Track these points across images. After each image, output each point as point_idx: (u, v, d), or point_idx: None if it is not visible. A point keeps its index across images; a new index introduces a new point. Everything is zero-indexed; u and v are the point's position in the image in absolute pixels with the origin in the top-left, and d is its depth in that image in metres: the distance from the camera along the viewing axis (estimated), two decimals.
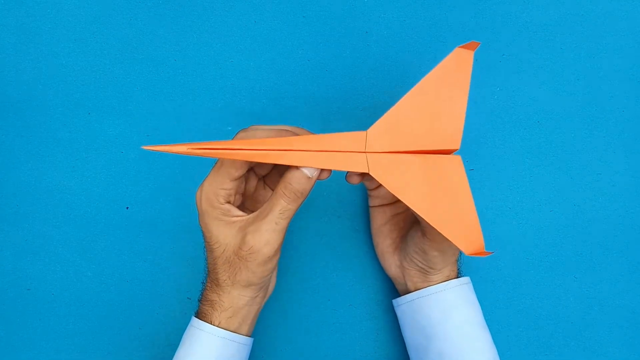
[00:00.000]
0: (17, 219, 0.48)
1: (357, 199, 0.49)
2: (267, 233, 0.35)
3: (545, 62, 0.50)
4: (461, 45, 0.36)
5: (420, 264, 0.41)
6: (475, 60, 0.50)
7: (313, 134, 0.36)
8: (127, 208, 0.49)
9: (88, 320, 0.48)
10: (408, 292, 0.43)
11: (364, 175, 0.39)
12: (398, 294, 0.45)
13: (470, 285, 0.43)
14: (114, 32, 0.50)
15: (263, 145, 0.34)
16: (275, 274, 0.42)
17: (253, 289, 0.38)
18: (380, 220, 0.45)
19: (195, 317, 0.39)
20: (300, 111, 0.50)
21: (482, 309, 0.48)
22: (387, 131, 0.35)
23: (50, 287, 0.48)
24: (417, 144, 0.36)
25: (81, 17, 0.50)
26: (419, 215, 0.37)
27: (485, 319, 0.49)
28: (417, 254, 0.41)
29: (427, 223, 0.38)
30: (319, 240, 0.49)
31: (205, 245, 0.38)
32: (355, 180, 0.38)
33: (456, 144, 0.36)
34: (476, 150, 0.50)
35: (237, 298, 0.37)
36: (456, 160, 0.37)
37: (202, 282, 0.40)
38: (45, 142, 0.49)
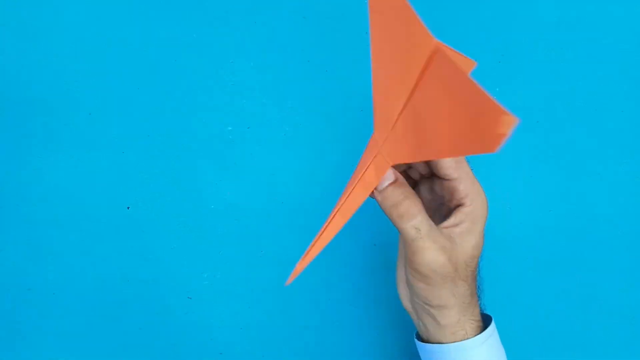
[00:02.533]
0: (18, 219, 0.49)
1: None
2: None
3: (545, 62, 0.50)
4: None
5: (416, 299, 0.35)
6: (475, 60, 0.50)
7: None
8: (128, 208, 0.49)
9: (88, 320, 0.48)
10: (421, 335, 0.36)
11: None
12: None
13: (496, 333, 0.36)
14: (115, 32, 0.50)
15: (326, 228, 0.35)
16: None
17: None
18: (401, 246, 0.38)
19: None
20: (301, 111, 0.50)
21: (481, 309, 0.48)
22: (383, 117, 0.31)
23: (50, 287, 0.48)
24: (403, 90, 0.29)
25: (81, 17, 0.50)
26: (409, 241, 0.32)
27: None
28: (409, 288, 0.35)
29: (412, 249, 0.32)
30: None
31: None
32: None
33: (428, 43, 0.27)
34: None
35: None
36: (439, 57, 0.27)
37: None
38: (46, 142, 0.49)
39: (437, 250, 0.31)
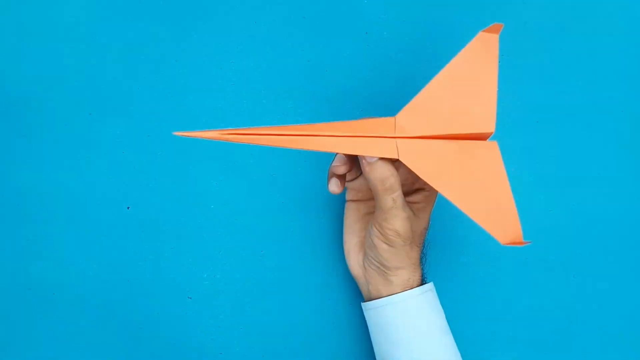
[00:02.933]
0: (17, 219, 0.49)
1: None
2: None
3: (545, 62, 0.50)
4: (484, 28, 0.35)
5: (375, 262, 0.41)
6: None
7: (345, 121, 0.36)
8: (128, 208, 0.49)
9: (88, 320, 0.48)
10: (371, 296, 0.43)
11: (343, 180, 0.40)
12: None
13: (434, 291, 0.42)
14: (114, 32, 0.50)
15: (292, 131, 0.34)
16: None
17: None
18: (353, 217, 0.45)
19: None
20: (301, 111, 0.50)
21: (482, 309, 0.48)
22: (417, 116, 0.34)
23: (50, 287, 0.48)
24: (449, 128, 0.35)
25: (81, 17, 0.50)
26: (385, 208, 0.37)
27: (485, 318, 0.49)
28: (370, 250, 0.41)
29: (387, 216, 0.37)
30: (319, 240, 0.49)
31: None
32: (336, 188, 0.40)
33: (490, 127, 0.35)
34: None
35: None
36: (492, 146, 0.36)
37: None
38: (46, 142, 0.49)
39: (405, 219, 0.38)
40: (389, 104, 0.50)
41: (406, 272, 0.41)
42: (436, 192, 0.41)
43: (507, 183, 0.35)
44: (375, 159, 0.36)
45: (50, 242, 0.48)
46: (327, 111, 0.50)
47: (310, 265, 0.49)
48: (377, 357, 0.44)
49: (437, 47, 0.50)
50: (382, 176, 0.36)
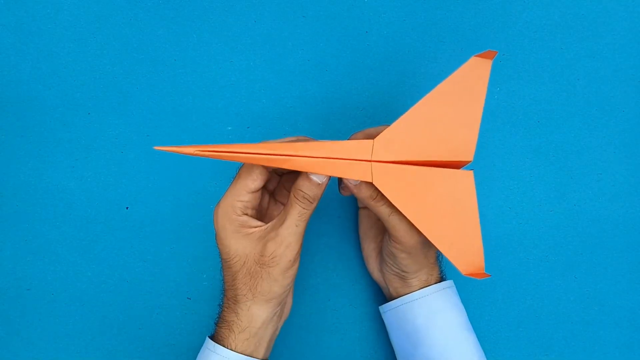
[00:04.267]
0: (17, 219, 0.48)
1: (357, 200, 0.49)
2: (288, 237, 0.36)
3: (545, 62, 0.50)
4: (478, 53, 0.35)
5: (394, 268, 0.41)
6: None
7: (322, 141, 0.36)
8: (127, 208, 0.49)
9: (88, 320, 0.48)
10: (392, 297, 0.43)
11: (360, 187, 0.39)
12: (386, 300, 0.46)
13: (454, 288, 0.42)
14: (114, 32, 0.50)
15: (269, 150, 0.34)
16: (291, 297, 0.42)
17: (273, 303, 0.37)
18: (367, 223, 0.46)
19: (211, 339, 0.38)
20: (300, 111, 0.50)
21: (481, 309, 0.48)
22: (395, 140, 0.35)
23: (50, 287, 0.48)
24: (427, 155, 0.35)
25: (81, 17, 0.50)
26: (385, 217, 0.37)
27: (485, 319, 0.49)
28: (389, 257, 0.41)
29: (390, 225, 0.37)
30: (318, 240, 0.49)
31: (223, 265, 0.38)
32: (347, 192, 0.39)
33: (469, 156, 0.35)
34: (476, 150, 0.50)
35: (256, 316, 0.37)
36: (467, 176, 0.35)
37: (219, 305, 0.40)
38: (45, 142, 0.49)
39: (408, 223, 0.37)
40: (389, 104, 0.50)
41: (424, 273, 0.41)
42: None
43: (477, 214, 0.35)
44: (358, 181, 0.36)
45: (49, 243, 0.48)
46: (327, 111, 0.50)
47: (311, 265, 0.49)
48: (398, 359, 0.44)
49: (437, 47, 0.50)
50: (369, 194, 0.37)
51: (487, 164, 0.50)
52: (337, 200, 0.49)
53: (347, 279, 0.49)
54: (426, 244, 0.39)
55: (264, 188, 0.40)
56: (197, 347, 0.48)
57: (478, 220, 0.35)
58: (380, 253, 0.44)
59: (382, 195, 0.37)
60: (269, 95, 0.50)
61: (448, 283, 0.42)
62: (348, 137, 0.43)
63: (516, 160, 0.50)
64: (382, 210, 0.37)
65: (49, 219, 0.49)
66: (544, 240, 0.49)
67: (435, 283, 0.41)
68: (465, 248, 0.35)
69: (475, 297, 0.49)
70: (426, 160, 0.35)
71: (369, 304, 0.49)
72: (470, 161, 0.36)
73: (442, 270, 0.43)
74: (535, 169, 0.50)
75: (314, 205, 0.36)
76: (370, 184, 0.36)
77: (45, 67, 0.49)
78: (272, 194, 0.42)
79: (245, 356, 0.37)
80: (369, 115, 0.50)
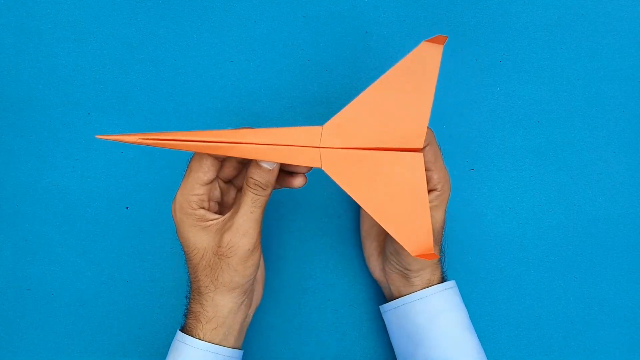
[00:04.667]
0: (17, 219, 0.48)
1: None
2: (243, 224, 0.35)
3: (545, 62, 0.50)
4: (428, 38, 0.34)
5: (397, 266, 0.41)
6: (475, 60, 0.50)
7: (272, 128, 0.35)
8: (127, 208, 0.49)
9: (88, 320, 0.48)
10: (393, 297, 0.43)
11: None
12: (386, 299, 0.46)
13: (456, 289, 0.42)
14: (113, 32, 0.50)
15: (215, 137, 0.33)
16: (260, 284, 0.42)
17: (237, 293, 0.37)
18: (369, 222, 0.46)
19: (180, 330, 0.38)
20: (300, 111, 0.50)
21: (482, 309, 0.48)
22: (344, 126, 0.34)
23: (50, 287, 0.48)
24: (377, 141, 0.34)
25: (81, 17, 0.50)
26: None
27: (485, 319, 0.49)
28: (392, 255, 0.41)
29: None
30: (318, 240, 0.49)
31: (185, 257, 0.38)
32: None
33: (419, 143, 0.35)
34: (476, 150, 0.50)
35: (221, 305, 0.37)
36: (416, 158, 0.35)
37: (186, 297, 0.40)
38: (45, 142, 0.49)
39: None
40: None
41: (427, 272, 0.41)
42: (449, 191, 0.41)
43: (426, 195, 0.35)
44: None
45: (49, 243, 0.48)
46: (327, 111, 0.50)
47: (311, 265, 0.49)
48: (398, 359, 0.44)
49: None
50: None
51: (487, 164, 0.50)
52: (337, 200, 0.49)
53: (347, 279, 0.49)
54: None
55: (225, 180, 0.40)
56: None
57: (427, 201, 0.35)
58: (383, 252, 0.44)
59: None
60: (269, 95, 0.50)
61: (450, 283, 0.42)
62: None
63: (516, 160, 0.50)
64: None
65: (49, 218, 0.48)
66: (544, 240, 0.49)
67: (438, 283, 0.41)
68: (414, 229, 0.35)
69: (475, 297, 0.49)
70: (376, 147, 0.34)
71: (369, 304, 0.49)
72: (420, 148, 0.35)
73: (443, 271, 0.43)
74: (535, 169, 0.50)
75: (268, 191, 0.36)
76: None
77: (45, 67, 0.49)
78: (235, 186, 0.42)
79: (214, 344, 0.37)
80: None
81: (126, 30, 0.50)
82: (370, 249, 0.45)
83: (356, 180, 0.34)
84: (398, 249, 0.40)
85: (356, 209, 0.49)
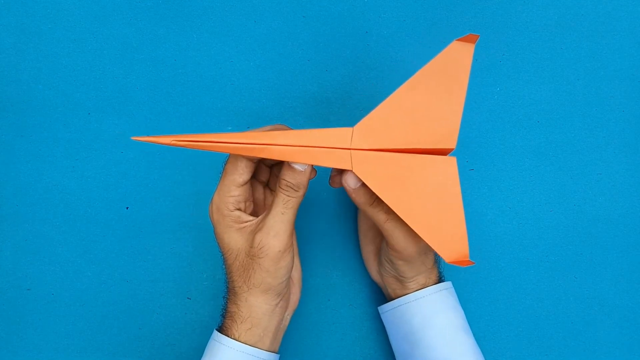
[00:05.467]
0: (17, 219, 0.48)
1: None
2: (274, 225, 0.35)
3: (545, 62, 0.50)
4: (459, 37, 0.34)
5: (392, 272, 0.42)
6: (475, 60, 0.50)
7: (303, 129, 0.35)
8: (127, 208, 0.49)
9: (88, 320, 0.48)
10: (390, 298, 0.43)
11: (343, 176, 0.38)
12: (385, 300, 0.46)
13: (451, 290, 0.42)
14: (114, 32, 0.50)
15: (247, 139, 0.33)
16: (297, 287, 0.41)
17: (271, 295, 0.37)
18: (366, 224, 0.46)
19: (217, 330, 0.38)
20: (300, 111, 0.50)
21: (481, 309, 0.48)
22: (375, 128, 0.34)
23: (50, 287, 0.48)
24: (408, 142, 0.34)
25: (81, 17, 0.50)
26: (380, 224, 0.37)
27: (485, 319, 0.49)
28: (387, 263, 0.41)
29: (387, 232, 0.37)
30: (318, 240, 0.49)
31: (223, 258, 0.38)
32: (337, 183, 0.38)
33: (452, 143, 0.35)
34: (476, 150, 0.50)
35: (255, 307, 0.37)
36: (450, 162, 0.35)
37: (224, 297, 0.40)
38: (45, 142, 0.49)
39: (406, 230, 0.37)
40: None
41: (422, 277, 0.41)
42: None
43: (460, 201, 0.34)
44: (359, 184, 0.36)
45: (49, 243, 0.48)
46: (327, 111, 0.50)
47: (311, 265, 0.49)
48: None
49: (437, 47, 0.50)
50: (365, 199, 0.37)
51: (487, 164, 0.50)
52: (337, 200, 0.49)
53: (347, 279, 0.49)
54: (423, 251, 0.39)
55: (259, 180, 0.40)
56: (197, 347, 0.48)
57: (462, 207, 0.35)
58: (379, 255, 0.44)
59: (379, 201, 0.36)
60: (269, 95, 0.50)
61: (446, 284, 0.42)
62: None
63: (516, 160, 0.50)
64: (378, 217, 0.37)
65: (49, 218, 0.48)
66: (544, 240, 0.49)
67: (433, 285, 0.41)
68: (449, 236, 0.34)
69: (475, 297, 0.49)
70: (407, 148, 0.34)
71: (369, 304, 0.49)
72: (452, 149, 0.35)
73: (440, 272, 0.43)
74: (535, 169, 0.50)
75: (300, 193, 0.36)
76: (367, 190, 0.36)
77: (45, 67, 0.49)
78: (269, 186, 0.42)
79: (249, 346, 0.37)
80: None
81: (126, 30, 0.50)
82: (367, 251, 0.46)
83: (387, 183, 0.34)
84: (391, 258, 0.40)
85: (355, 210, 0.49)
